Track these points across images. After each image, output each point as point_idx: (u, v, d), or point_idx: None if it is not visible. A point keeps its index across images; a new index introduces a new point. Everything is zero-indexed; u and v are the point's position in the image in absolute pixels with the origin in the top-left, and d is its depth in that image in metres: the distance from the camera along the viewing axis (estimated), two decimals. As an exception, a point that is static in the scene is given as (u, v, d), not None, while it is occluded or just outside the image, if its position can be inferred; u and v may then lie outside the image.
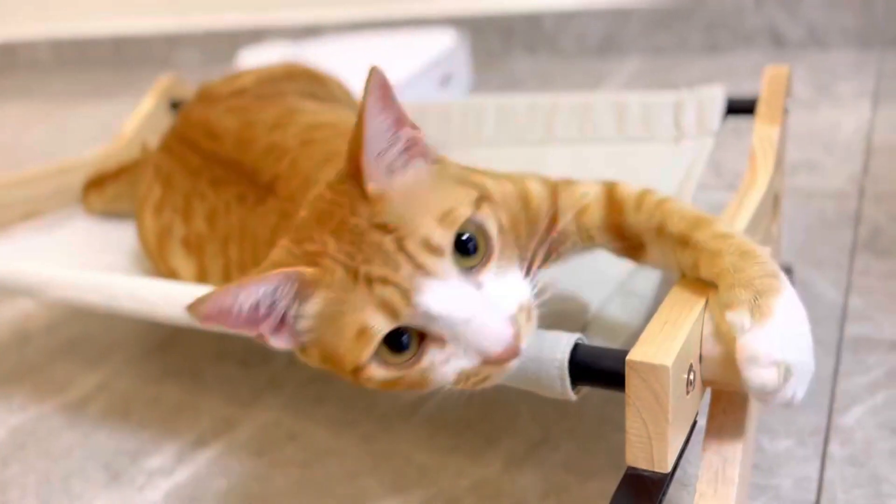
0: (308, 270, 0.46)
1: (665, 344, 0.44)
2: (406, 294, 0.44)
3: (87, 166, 1.11)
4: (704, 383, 0.50)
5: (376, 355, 0.46)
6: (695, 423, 0.49)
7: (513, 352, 0.45)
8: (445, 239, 0.45)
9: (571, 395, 0.49)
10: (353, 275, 0.46)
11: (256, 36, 2.15)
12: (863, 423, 0.69)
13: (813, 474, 0.64)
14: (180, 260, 0.79)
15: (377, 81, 0.46)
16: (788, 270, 0.58)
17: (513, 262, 0.49)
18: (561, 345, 0.48)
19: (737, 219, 0.62)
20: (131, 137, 1.16)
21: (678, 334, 0.45)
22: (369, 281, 0.45)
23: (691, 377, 0.46)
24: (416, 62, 1.51)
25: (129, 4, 2.43)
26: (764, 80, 0.81)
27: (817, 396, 0.73)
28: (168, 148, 0.87)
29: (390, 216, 0.46)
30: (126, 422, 0.83)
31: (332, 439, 0.76)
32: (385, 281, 0.45)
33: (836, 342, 0.79)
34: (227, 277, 0.73)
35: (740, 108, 0.85)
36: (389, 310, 0.44)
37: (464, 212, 0.46)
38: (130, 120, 1.18)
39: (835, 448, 0.67)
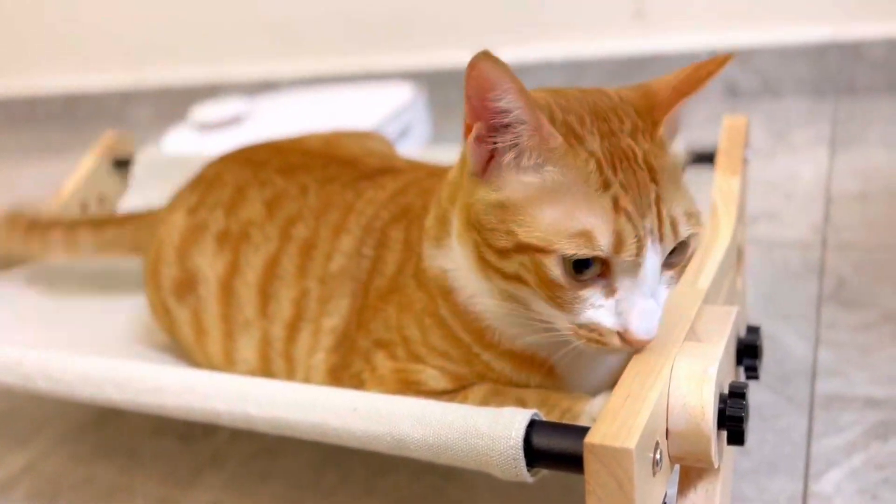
0: (558, 139, 0.47)
1: (627, 422, 0.39)
2: (640, 244, 0.46)
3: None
4: (673, 460, 0.46)
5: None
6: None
7: (643, 345, 0.47)
8: (685, 232, 0.48)
9: (528, 478, 0.45)
10: (604, 183, 0.46)
11: (211, 91, 2.12)
12: (841, 488, 0.65)
13: (792, 548, 0.60)
14: (206, 257, 0.72)
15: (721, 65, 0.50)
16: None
17: (674, 283, 0.50)
18: (515, 422, 0.44)
19: (702, 274, 0.59)
20: (71, 195, 1.11)
21: (641, 410, 0.41)
22: (617, 202, 0.46)
23: (658, 456, 0.42)
24: (373, 116, 1.49)
25: (81, 60, 2.38)
26: (723, 131, 0.79)
27: (792, 459, 0.69)
28: (220, 162, 0.82)
29: (659, 167, 0.47)
30: (52, 507, 0.76)
31: (276, 522, 0.70)
32: (631, 218, 0.46)
33: (808, 400, 0.76)
34: (270, 270, 0.68)
35: (699, 158, 0.83)
36: (620, 242, 0.46)
37: (696, 225, 0.49)
38: (71, 178, 1.13)
39: (813, 517, 0.63)
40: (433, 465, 0.74)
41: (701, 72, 0.50)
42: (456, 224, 0.53)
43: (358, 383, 0.60)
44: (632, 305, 0.46)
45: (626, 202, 0.46)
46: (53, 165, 2.12)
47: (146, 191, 1.09)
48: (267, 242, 0.69)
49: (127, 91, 2.34)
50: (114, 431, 0.87)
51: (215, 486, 0.76)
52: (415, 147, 1.57)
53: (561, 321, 0.48)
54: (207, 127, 1.56)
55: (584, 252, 0.45)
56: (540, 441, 0.43)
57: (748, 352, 0.54)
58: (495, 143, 0.48)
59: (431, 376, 0.58)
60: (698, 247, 0.55)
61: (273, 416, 0.50)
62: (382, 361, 0.60)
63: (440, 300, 0.56)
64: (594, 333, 0.47)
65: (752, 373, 0.55)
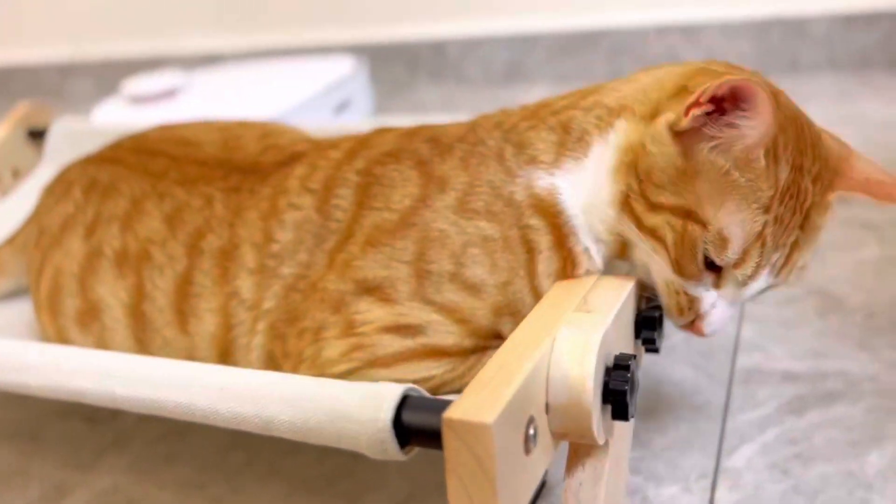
0: (761, 161, 0.49)
1: (493, 395, 0.37)
2: (758, 271, 0.51)
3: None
4: (555, 436, 0.43)
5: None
6: (543, 483, 0.43)
7: (701, 336, 0.55)
8: (795, 279, 0.54)
9: (402, 457, 0.42)
10: (766, 208, 0.50)
11: (152, 65, 2.05)
12: (752, 463, 0.64)
13: (698, 525, 0.58)
14: (108, 286, 0.67)
15: None
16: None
17: None
18: (385, 401, 0.41)
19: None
20: (-19, 170, 1.06)
21: (511, 382, 0.38)
22: (763, 228, 0.50)
23: (532, 432, 0.40)
24: (309, 88, 1.45)
25: (16, 32, 2.30)
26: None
27: (707, 436, 0.67)
28: (111, 159, 0.75)
29: (814, 221, 0.52)
30: (-57, 494, 0.72)
31: (176, 505, 0.67)
32: (764, 247, 0.50)
33: (727, 376, 0.75)
34: (182, 291, 0.63)
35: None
36: (742, 261, 0.50)
37: (803, 276, 0.56)
38: (-19, 151, 1.08)
39: (722, 493, 0.61)
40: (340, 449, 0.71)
41: (891, 192, 0.52)
42: (613, 160, 0.53)
43: (313, 337, 0.55)
44: (721, 306, 0.52)
45: (769, 232, 0.50)
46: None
47: (60, 161, 1.04)
48: (173, 262, 0.65)
49: (65, 64, 2.27)
50: (18, 413, 0.83)
51: (116, 469, 0.73)
52: (356, 119, 1.54)
53: (660, 276, 0.53)
54: (140, 100, 1.51)
55: (713, 252, 0.50)
56: (410, 418, 0.41)
57: (646, 324, 0.52)
58: (713, 129, 0.49)
59: (435, 322, 0.53)
60: None
61: (138, 396, 0.47)
62: (368, 307, 0.54)
63: (536, 220, 0.54)
64: (685, 302, 0.52)
65: (651, 346, 0.53)
